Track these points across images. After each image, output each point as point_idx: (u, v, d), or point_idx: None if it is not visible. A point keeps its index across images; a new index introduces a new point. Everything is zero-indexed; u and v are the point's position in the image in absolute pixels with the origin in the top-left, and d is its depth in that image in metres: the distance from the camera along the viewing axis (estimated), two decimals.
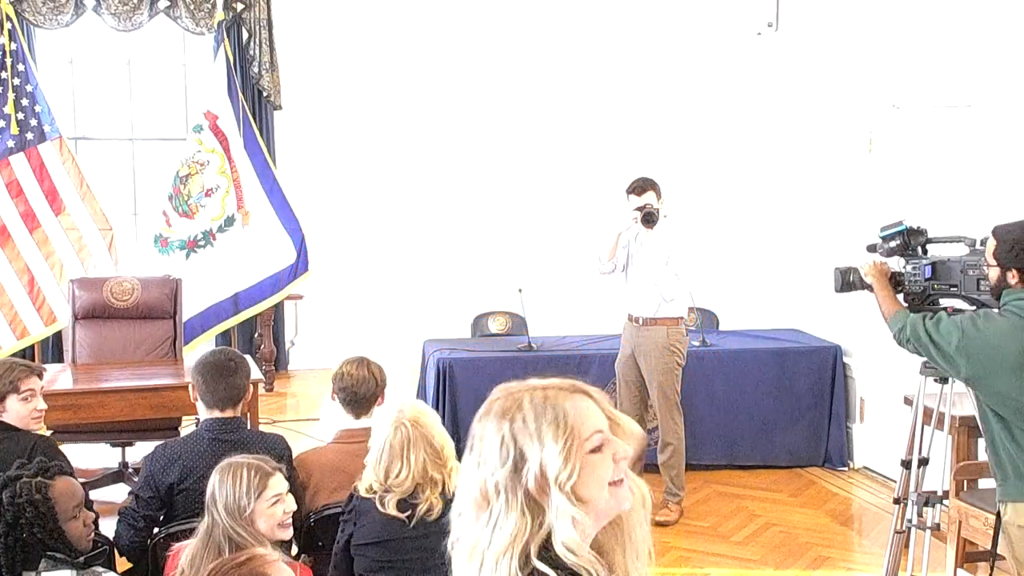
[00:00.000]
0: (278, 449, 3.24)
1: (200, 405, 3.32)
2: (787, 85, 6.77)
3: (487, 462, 1.42)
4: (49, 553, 2.41)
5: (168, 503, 3.18)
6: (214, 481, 2.60)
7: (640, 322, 5.02)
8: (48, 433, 4.13)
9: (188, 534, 2.69)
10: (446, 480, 2.71)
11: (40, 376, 3.46)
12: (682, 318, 5.07)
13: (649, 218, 4.83)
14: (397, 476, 2.69)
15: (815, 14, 6.38)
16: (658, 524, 4.90)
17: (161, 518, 3.19)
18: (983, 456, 3.97)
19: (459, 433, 5.41)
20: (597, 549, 1.43)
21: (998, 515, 3.18)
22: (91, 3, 7.58)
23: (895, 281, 3.49)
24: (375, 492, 2.73)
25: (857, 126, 5.86)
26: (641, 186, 4.96)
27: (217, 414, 3.27)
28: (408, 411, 2.78)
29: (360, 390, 3.35)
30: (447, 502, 2.65)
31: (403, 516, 2.67)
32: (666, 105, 8.12)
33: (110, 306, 5.53)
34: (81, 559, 2.42)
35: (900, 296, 3.51)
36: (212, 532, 2.53)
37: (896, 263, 3.54)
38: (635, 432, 1.51)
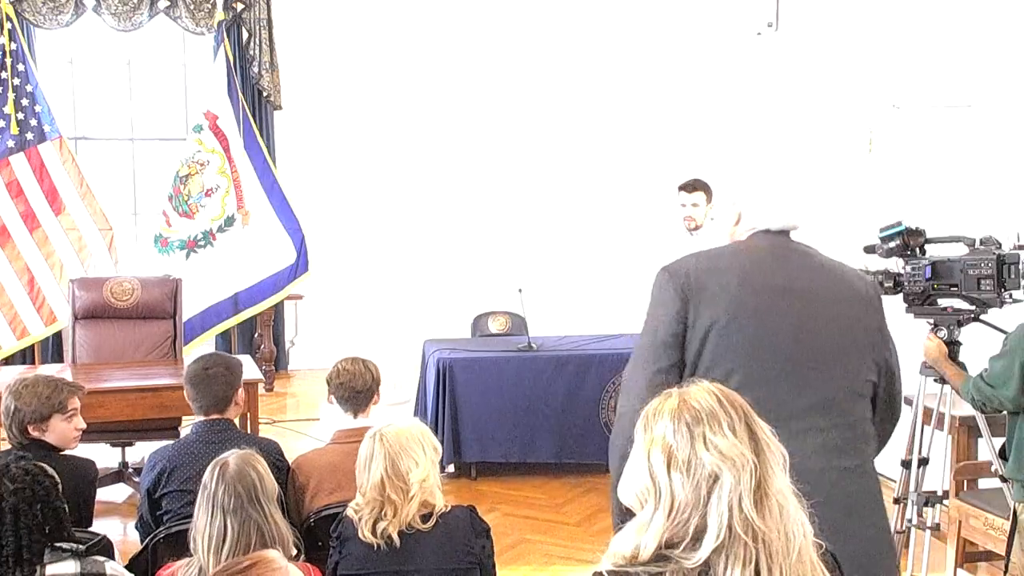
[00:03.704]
0: (269, 452, 3.23)
1: None
2: (787, 85, 6.77)
3: None
4: (55, 545, 2.40)
5: (159, 505, 3.20)
6: (250, 476, 2.52)
7: None
8: None
9: (181, 544, 2.64)
10: (404, 506, 2.63)
11: (82, 396, 3.45)
12: None
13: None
14: (361, 488, 2.68)
15: (815, 14, 6.38)
16: None
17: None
18: (983, 456, 3.97)
19: (459, 433, 5.43)
20: None
21: (1014, 514, 3.18)
22: (91, 3, 7.59)
23: (895, 283, 3.49)
24: (358, 511, 2.68)
25: (857, 126, 5.86)
26: (692, 185, 5.19)
27: (203, 417, 3.33)
28: (390, 427, 2.72)
29: (357, 385, 3.37)
30: (404, 534, 2.61)
31: (376, 540, 2.61)
32: (666, 105, 8.12)
33: (110, 306, 5.53)
34: (82, 547, 2.40)
35: (900, 296, 3.51)
36: (241, 529, 2.46)
37: (895, 264, 3.54)
38: None
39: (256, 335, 7.89)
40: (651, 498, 1.48)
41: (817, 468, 2.01)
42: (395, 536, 2.61)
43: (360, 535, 2.64)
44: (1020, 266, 3.21)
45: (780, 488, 1.47)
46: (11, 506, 2.25)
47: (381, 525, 2.62)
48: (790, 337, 2.19)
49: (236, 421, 3.51)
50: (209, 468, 2.56)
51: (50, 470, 2.45)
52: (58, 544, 2.34)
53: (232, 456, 2.58)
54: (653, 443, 1.50)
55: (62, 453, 3.34)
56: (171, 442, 3.47)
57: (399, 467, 2.64)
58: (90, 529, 2.96)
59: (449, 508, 2.72)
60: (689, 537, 1.44)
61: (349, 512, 2.71)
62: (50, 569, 2.27)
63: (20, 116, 6.62)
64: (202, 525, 2.49)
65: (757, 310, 2.20)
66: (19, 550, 2.23)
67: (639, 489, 1.50)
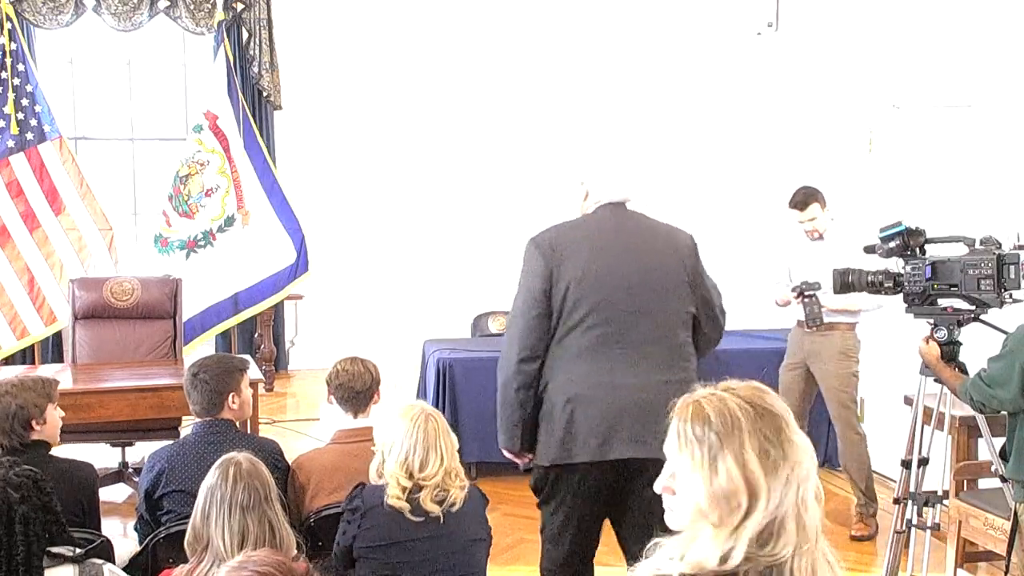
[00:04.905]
0: (269, 453, 3.22)
1: None
2: (787, 85, 6.77)
3: None
4: (52, 550, 2.39)
5: (159, 506, 3.21)
6: (264, 474, 2.52)
7: (814, 329, 4.72)
8: None
9: (180, 544, 2.62)
10: (460, 472, 2.84)
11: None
12: (857, 324, 4.84)
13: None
14: (432, 467, 2.76)
15: (815, 14, 6.38)
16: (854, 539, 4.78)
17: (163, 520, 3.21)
18: (983, 456, 3.97)
19: (459, 433, 5.41)
20: None
21: (1015, 515, 3.19)
22: (91, 3, 7.59)
23: (895, 283, 3.49)
24: (403, 495, 2.73)
25: (857, 126, 5.86)
26: (803, 200, 4.76)
27: (198, 419, 3.35)
28: (426, 406, 2.89)
29: (356, 385, 3.37)
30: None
31: (438, 511, 2.75)
32: (666, 105, 8.12)
33: (110, 306, 5.53)
34: (81, 552, 2.39)
35: (900, 296, 3.51)
36: (260, 527, 2.45)
37: (895, 263, 3.54)
38: None
39: (256, 335, 7.89)
40: (739, 504, 1.44)
41: (653, 381, 2.90)
42: (460, 498, 2.79)
43: (411, 512, 2.72)
44: (1020, 266, 3.21)
45: (815, 476, 1.52)
46: (21, 515, 2.24)
47: (452, 492, 2.77)
48: (628, 285, 2.97)
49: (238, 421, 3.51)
50: (217, 470, 2.52)
51: (40, 473, 2.45)
52: (55, 550, 2.33)
53: (240, 455, 2.56)
54: (742, 447, 1.46)
55: (61, 457, 3.34)
56: (170, 443, 3.48)
57: (452, 436, 2.87)
58: (90, 530, 2.95)
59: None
60: (774, 536, 1.44)
61: (393, 494, 2.73)
62: (48, 574, 2.26)
63: (20, 116, 6.62)
64: (218, 526, 2.44)
65: (605, 266, 2.97)
66: (29, 558, 2.22)
67: (718, 498, 1.45)
